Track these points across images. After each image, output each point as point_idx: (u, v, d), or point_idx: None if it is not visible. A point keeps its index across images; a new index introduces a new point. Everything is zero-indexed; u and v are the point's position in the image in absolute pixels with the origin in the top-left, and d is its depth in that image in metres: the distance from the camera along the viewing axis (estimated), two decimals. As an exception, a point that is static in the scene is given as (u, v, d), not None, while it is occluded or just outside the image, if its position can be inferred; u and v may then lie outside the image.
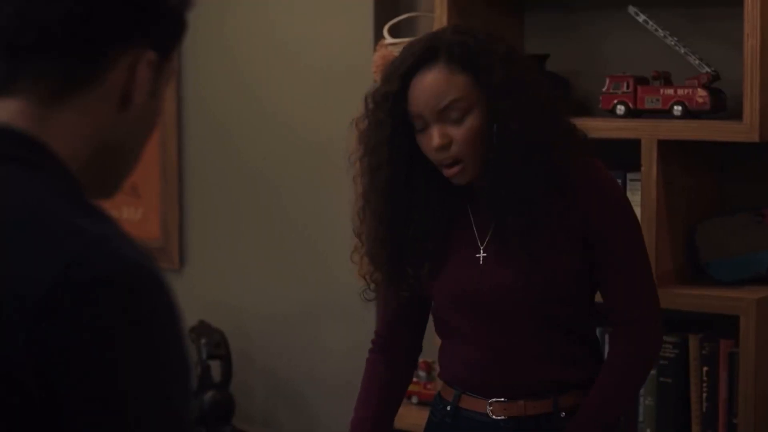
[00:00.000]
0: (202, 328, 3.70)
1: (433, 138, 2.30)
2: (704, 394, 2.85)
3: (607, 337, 2.84)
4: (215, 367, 3.68)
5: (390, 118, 2.33)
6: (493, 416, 2.39)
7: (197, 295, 3.84)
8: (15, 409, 1.16)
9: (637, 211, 2.71)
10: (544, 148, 2.30)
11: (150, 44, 1.31)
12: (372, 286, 2.47)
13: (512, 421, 2.38)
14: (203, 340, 3.66)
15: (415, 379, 3.32)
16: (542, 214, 2.30)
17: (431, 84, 2.30)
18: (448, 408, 2.45)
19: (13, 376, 1.15)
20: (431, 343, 2.81)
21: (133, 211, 4.00)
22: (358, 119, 2.41)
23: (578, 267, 2.35)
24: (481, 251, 2.37)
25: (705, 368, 2.85)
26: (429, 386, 3.37)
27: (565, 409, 2.37)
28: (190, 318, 3.52)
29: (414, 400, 3.38)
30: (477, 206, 2.39)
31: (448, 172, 2.32)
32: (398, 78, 2.33)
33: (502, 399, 2.38)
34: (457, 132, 2.29)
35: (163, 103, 1.38)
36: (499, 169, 2.29)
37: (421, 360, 3.19)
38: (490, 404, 2.39)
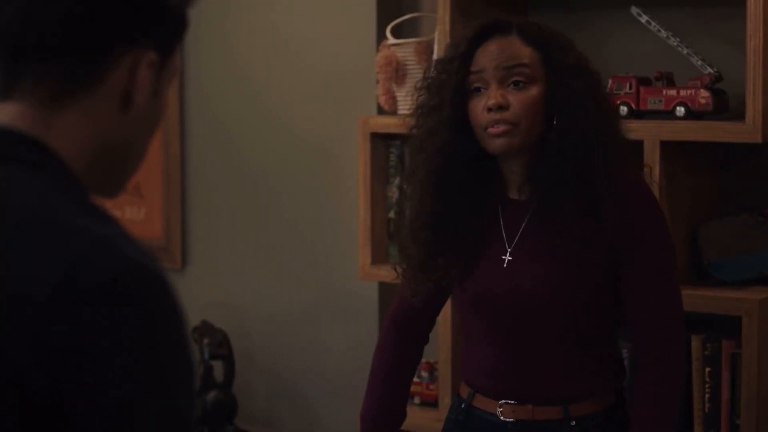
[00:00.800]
0: (205, 328, 3.70)
1: (491, 97, 2.28)
2: (707, 395, 2.85)
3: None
4: (218, 367, 3.68)
5: (455, 77, 2.31)
6: (502, 418, 2.38)
7: (199, 295, 3.84)
8: (20, 409, 1.15)
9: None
10: (599, 145, 2.28)
11: (151, 44, 1.30)
12: (401, 271, 2.46)
13: (520, 424, 2.37)
14: (206, 340, 3.66)
15: (417, 380, 3.32)
16: (576, 218, 2.27)
17: (502, 45, 2.31)
18: (462, 406, 2.46)
19: (18, 378, 1.15)
20: (433, 343, 2.81)
21: (135, 211, 4.00)
22: (417, 86, 2.41)
23: (603, 277, 2.33)
24: (508, 254, 2.37)
25: (707, 369, 2.84)
26: (431, 387, 3.36)
27: (576, 418, 2.35)
28: (192, 318, 3.52)
29: (416, 400, 3.38)
30: (508, 208, 2.38)
31: (494, 130, 2.28)
32: (467, 41, 2.32)
33: (512, 401, 2.38)
34: (516, 98, 2.28)
35: (166, 103, 1.38)
36: (552, 157, 2.27)
37: (423, 361, 3.19)
38: (500, 406, 2.39)
